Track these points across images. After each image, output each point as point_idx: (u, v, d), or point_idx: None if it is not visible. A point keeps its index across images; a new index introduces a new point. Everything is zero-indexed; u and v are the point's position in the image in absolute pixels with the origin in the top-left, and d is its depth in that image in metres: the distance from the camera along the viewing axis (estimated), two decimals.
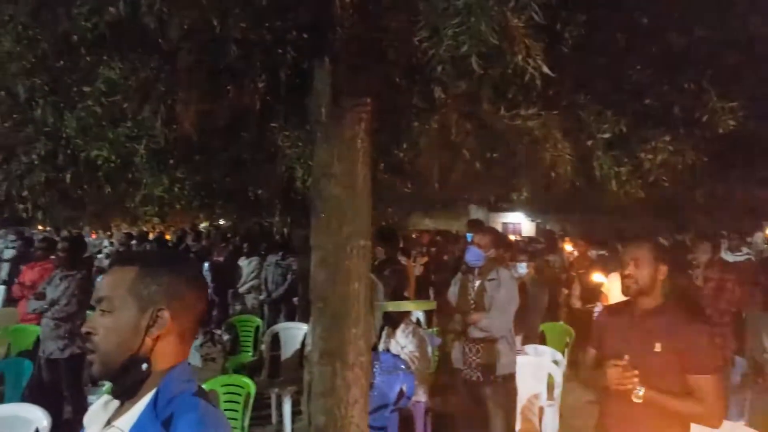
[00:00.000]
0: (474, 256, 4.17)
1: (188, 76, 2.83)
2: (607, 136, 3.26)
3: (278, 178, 4.06)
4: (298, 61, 3.01)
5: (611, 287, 6.07)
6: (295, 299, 7.56)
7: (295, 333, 5.96)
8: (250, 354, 6.51)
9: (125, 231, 11.83)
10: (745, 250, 8.11)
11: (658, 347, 2.36)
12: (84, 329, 1.27)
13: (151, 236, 12.01)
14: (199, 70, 2.84)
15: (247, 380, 4.30)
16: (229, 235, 12.84)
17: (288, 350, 5.95)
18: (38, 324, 5.46)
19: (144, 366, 1.24)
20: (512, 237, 17.55)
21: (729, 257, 7.38)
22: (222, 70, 2.93)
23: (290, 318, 7.37)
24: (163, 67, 2.92)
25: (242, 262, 8.56)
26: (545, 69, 2.19)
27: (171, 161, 3.91)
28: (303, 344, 5.37)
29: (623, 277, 2.51)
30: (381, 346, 4.87)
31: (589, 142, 3.31)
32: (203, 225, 13.73)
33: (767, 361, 6.74)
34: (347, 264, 2.99)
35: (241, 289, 8.30)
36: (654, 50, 3.30)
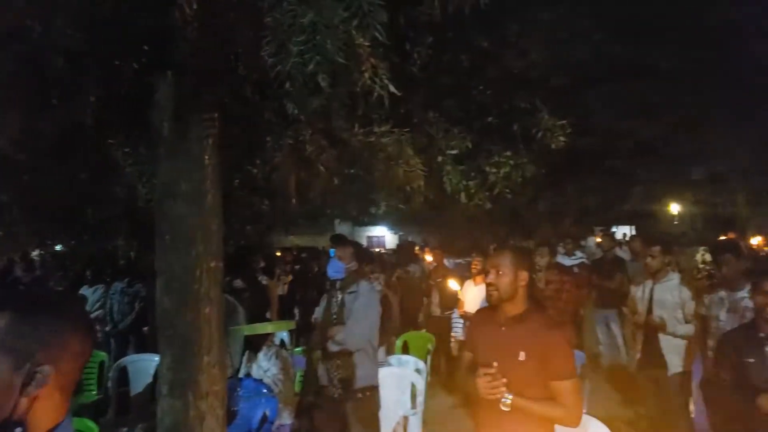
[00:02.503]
0: (334, 268, 4.11)
1: (6, 88, 2.52)
2: (455, 152, 3.41)
3: (119, 197, 3.75)
4: (138, 72, 2.80)
5: (466, 294, 6.39)
6: (146, 328, 7.03)
7: (145, 365, 5.51)
8: (94, 392, 5.91)
9: None
10: (579, 254, 8.92)
11: (522, 356, 2.42)
12: None
13: None
14: (19, 82, 2.54)
15: (89, 423, 3.89)
16: (68, 263, 11.69)
17: (138, 385, 5.50)
18: None
19: (18, 431, 1.04)
20: (377, 250, 17.97)
21: (566, 261, 8.07)
22: (48, 81, 2.64)
23: (140, 349, 6.82)
24: None
25: (85, 290, 7.80)
26: (392, 88, 2.22)
27: None
28: (155, 377, 5.00)
29: (486, 285, 2.57)
30: (242, 371, 4.67)
31: (439, 158, 3.44)
32: (36, 253, 12.36)
33: (602, 353, 7.50)
34: (197, 288, 2.80)
35: None
36: (494, 72, 3.53)
